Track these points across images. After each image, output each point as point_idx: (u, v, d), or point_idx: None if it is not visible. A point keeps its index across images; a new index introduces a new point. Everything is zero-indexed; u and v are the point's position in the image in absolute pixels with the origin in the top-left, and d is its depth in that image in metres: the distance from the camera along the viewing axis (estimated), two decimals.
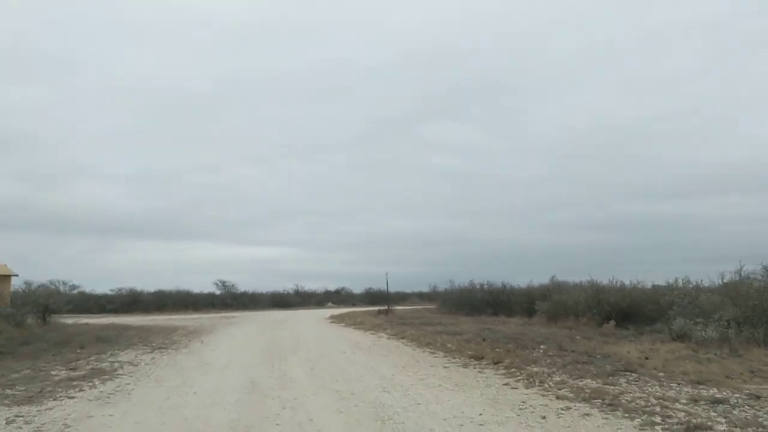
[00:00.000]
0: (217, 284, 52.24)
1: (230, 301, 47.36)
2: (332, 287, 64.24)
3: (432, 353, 12.81)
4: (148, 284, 48.18)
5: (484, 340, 14.96)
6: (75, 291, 50.18)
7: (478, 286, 30.14)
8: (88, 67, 72.10)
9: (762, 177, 65.15)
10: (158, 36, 73.57)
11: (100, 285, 46.88)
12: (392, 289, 67.87)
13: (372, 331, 19.99)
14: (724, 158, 66.08)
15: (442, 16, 73.54)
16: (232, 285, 52.75)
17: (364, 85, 79.13)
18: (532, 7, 70.97)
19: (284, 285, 58.00)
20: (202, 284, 51.87)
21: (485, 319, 25.23)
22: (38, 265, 68.88)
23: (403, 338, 16.83)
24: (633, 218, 70.19)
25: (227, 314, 37.86)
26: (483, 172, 79.94)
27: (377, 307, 47.69)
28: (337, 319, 28.47)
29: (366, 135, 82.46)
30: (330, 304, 56.49)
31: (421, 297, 65.60)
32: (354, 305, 56.85)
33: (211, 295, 48.19)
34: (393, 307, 33.36)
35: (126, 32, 71.16)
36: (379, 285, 62.88)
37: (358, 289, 64.02)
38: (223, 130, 79.31)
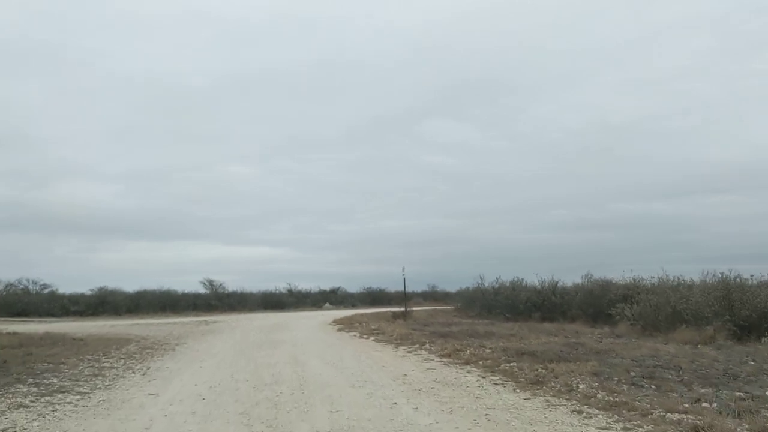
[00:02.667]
0: (204, 283, 45.51)
1: (215, 302, 40.52)
2: (326, 287, 57.51)
3: (580, 413, 6.29)
4: (139, 284, 41.85)
5: (633, 376, 8.47)
6: (46, 291, 43.61)
7: (521, 284, 23.64)
8: (83, 63, 66.26)
9: (761, 177, 61.16)
10: (156, 32, 68.24)
11: (92, 285, 40.82)
12: (393, 288, 61.83)
13: (406, 347, 13.48)
14: (723, 158, 62.44)
15: (440, 15, 69.40)
16: (220, 284, 46.00)
17: (361, 84, 74.01)
18: (531, 6, 67.25)
19: (277, 285, 51.28)
20: (194, 285, 46.29)
21: (542, 326, 18.79)
22: (31, 264, 63.19)
23: (467, 363, 10.32)
24: (629, 218, 66.83)
25: (210, 318, 31.12)
26: (480, 171, 75.91)
27: (383, 309, 41.12)
28: (345, 326, 21.90)
29: (362, 133, 77.57)
30: (327, 305, 49.79)
31: (425, 297, 59.23)
32: (354, 306, 50.26)
33: (194, 296, 41.31)
34: (410, 309, 26.79)
35: (123, 28, 66.32)
36: (378, 284, 56.69)
37: (352, 288, 57.52)
38: (219, 128, 73.87)
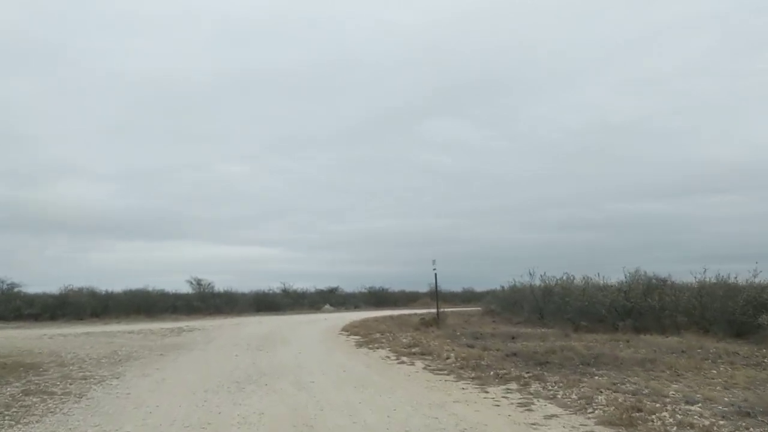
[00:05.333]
0: (191, 282, 39.01)
1: (198, 303, 34.06)
2: (323, 287, 50.99)
3: None
4: (131, 285, 35.52)
5: None
6: (14, 290, 37.05)
7: (599, 282, 17.45)
8: (82, 62, 60.91)
9: (761, 177, 57.87)
10: (156, 31, 63.15)
11: (85, 286, 35.17)
12: (397, 287, 55.42)
13: (499, 388, 7.34)
14: (723, 157, 59.31)
15: (440, 15, 65.41)
16: (209, 284, 39.46)
17: (361, 83, 69.18)
18: (530, 6, 63.66)
19: (271, 285, 44.94)
20: (185, 285, 41.09)
21: (657, 341, 12.66)
22: (25, 264, 57.27)
23: None
24: (627, 218, 63.04)
25: (188, 323, 24.80)
26: (477, 171, 71.84)
27: (394, 311, 34.93)
28: (362, 336, 15.70)
29: (361, 133, 72.55)
30: (327, 306, 43.45)
31: (432, 297, 53.02)
32: (357, 308, 43.98)
33: (174, 296, 34.77)
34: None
35: (123, 28, 61.19)
36: (376, 284, 50.43)
37: (349, 288, 51.23)
38: (218, 128, 68.63)
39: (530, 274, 20.69)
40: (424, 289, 54.30)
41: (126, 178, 66.01)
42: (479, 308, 33.88)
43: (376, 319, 24.38)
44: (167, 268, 62.16)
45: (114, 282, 64.20)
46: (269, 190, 71.24)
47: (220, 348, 13.62)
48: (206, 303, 34.48)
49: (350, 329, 18.98)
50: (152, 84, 63.29)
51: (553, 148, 67.88)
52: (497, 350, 11.62)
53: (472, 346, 12.61)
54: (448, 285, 53.65)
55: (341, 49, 66.15)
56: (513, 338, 14.35)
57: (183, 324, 24.26)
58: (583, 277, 18.42)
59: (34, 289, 33.14)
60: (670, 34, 61.15)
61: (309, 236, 72.12)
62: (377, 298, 48.20)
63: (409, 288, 53.77)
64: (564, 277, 20.97)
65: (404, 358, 11.02)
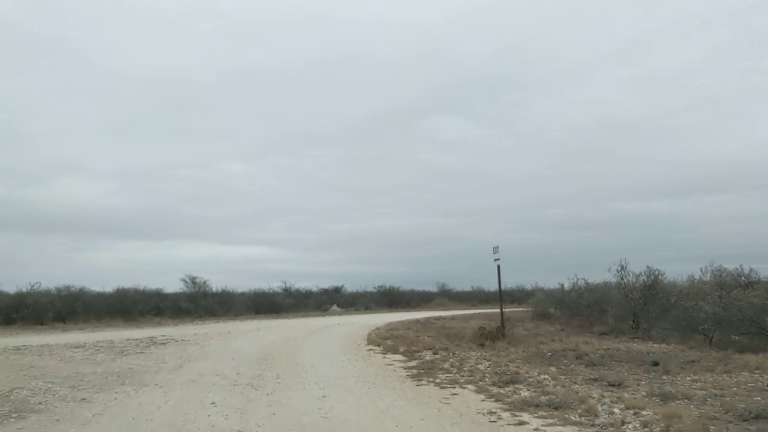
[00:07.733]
0: (185, 281, 33.70)
1: (187, 304, 28.61)
2: (325, 286, 45.57)
3: None
4: (126, 284, 31.00)
5: None
6: None
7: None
8: (81, 58, 57.13)
9: (760, 176, 55.44)
10: (156, 27, 59.22)
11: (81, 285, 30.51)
12: (408, 287, 49.90)
13: None
14: (728, 156, 56.65)
15: (443, 12, 62.06)
16: (204, 282, 34.07)
17: (362, 80, 65.45)
18: (535, 3, 60.60)
19: (271, 284, 39.85)
20: (179, 284, 36.78)
21: None
22: (23, 264, 52.92)
23: None
24: (628, 217, 60.65)
25: (167, 331, 19.54)
26: (480, 169, 68.37)
27: (414, 313, 29.49)
28: (408, 357, 10.41)
29: (363, 131, 68.64)
30: (335, 307, 38.06)
31: (450, 297, 47.71)
32: (368, 309, 38.61)
33: (158, 296, 29.27)
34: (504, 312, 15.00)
35: (123, 23, 57.44)
36: (383, 283, 45.17)
37: (351, 288, 46.00)
38: (218, 125, 64.83)
39: (621, 267, 15.31)
40: (430, 288, 49.46)
41: (126, 176, 62.22)
42: (514, 310, 28.64)
43: (405, 326, 19.06)
44: (166, 267, 58.78)
45: (113, 282, 60.19)
46: (269, 189, 67.38)
47: (191, 381, 8.30)
48: (196, 304, 29.01)
49: (380, 341, 13.71)
50: (154, 82, 59.81)
51: (556, 145, 65.19)
52: (687, 400, 6.32)
53: (616, 384, 7.31)
54: (454, 284, 50.23)
55: (343, 47, 63.06)
56: (655, 364, 9.05)
57: (161, 332, 18.93)
58: (716, 269, 13.12)
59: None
60: (677, 31, 58.69)
61: (309, 236, 68.20)
62: (389, 298, 42.79)
63: (419, 287, 48.93)
64: (647, 272, 15.85)
65: (528, 419, 5.72)
